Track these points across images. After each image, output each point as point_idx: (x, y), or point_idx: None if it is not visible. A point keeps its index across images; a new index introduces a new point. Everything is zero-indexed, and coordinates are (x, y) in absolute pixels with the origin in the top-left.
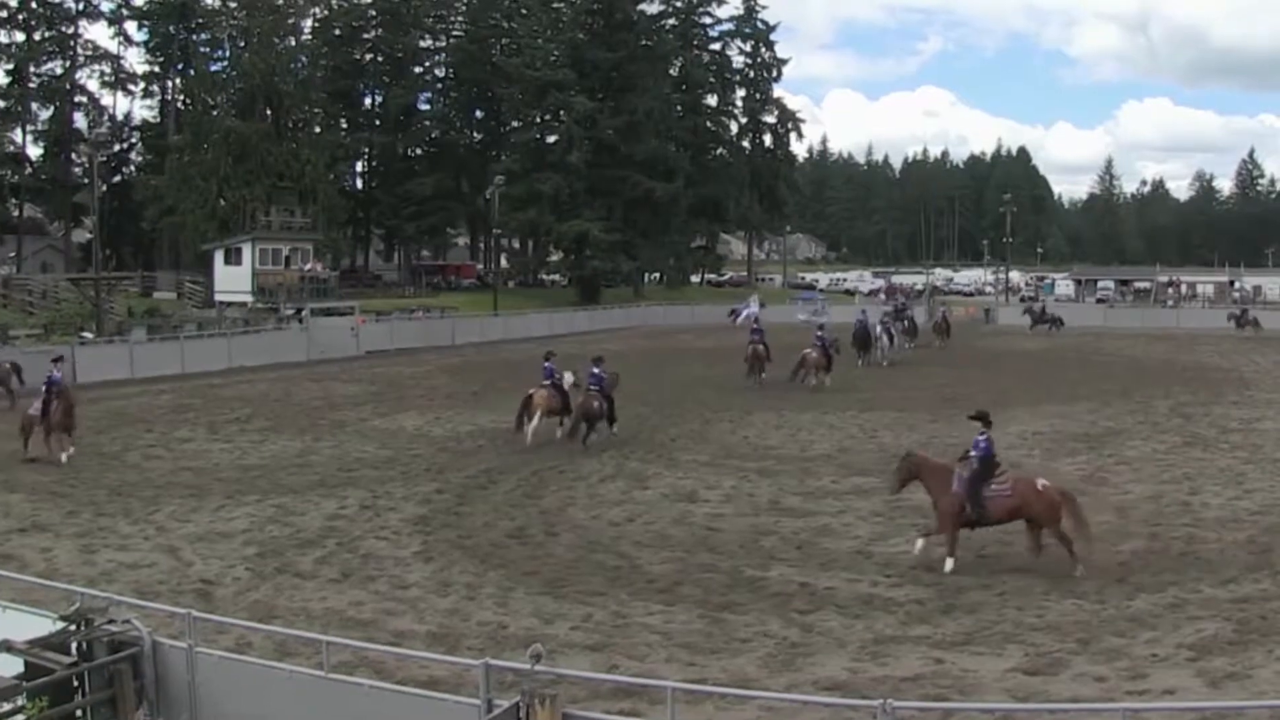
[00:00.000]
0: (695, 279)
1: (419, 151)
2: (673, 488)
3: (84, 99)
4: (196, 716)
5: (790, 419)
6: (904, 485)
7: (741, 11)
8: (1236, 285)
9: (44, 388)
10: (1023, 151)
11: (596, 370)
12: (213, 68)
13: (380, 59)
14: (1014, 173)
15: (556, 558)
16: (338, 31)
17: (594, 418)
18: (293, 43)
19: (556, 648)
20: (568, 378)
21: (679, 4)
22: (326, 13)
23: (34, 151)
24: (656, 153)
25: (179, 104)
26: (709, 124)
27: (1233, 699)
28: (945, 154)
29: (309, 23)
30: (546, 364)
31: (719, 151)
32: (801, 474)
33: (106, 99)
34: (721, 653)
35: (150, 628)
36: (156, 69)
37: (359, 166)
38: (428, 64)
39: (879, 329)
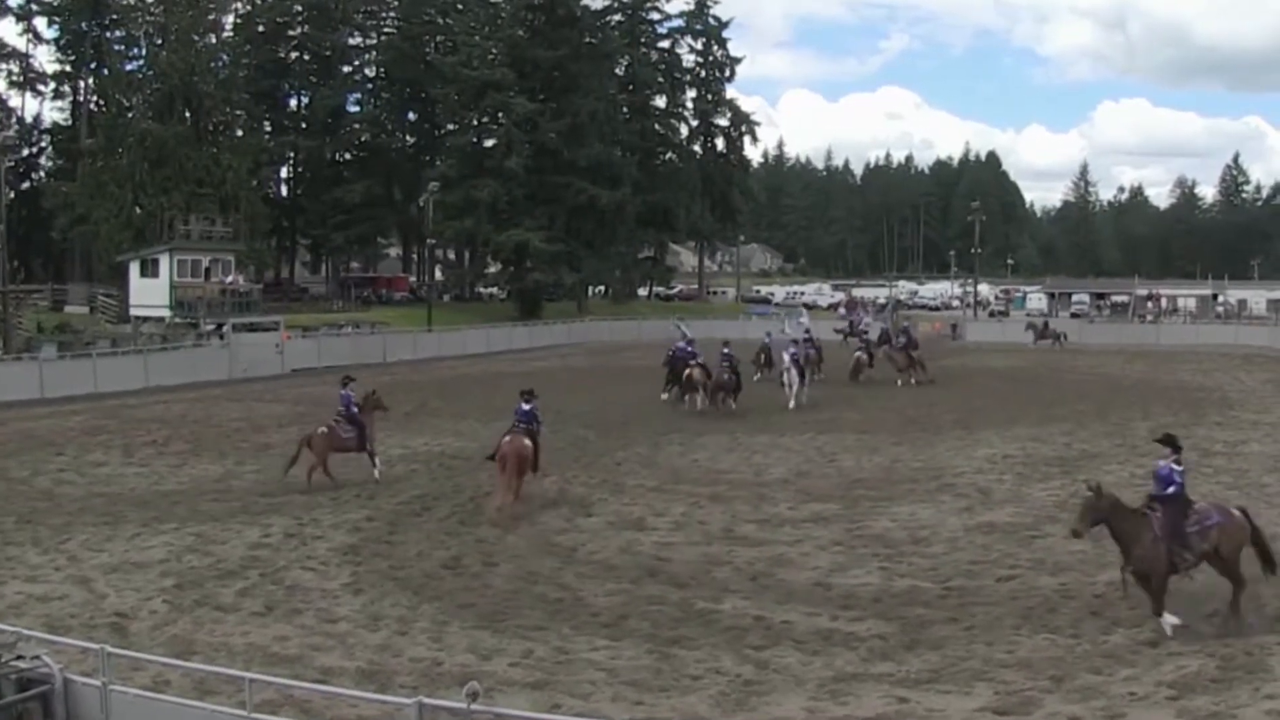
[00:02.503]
0: (643, 292)
1: (348, 156)
2: (619, 515)
3: None
4: None
5: (744, 441)
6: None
7: (692, 7)
8: (1220, 299)
9: (349, 408)
10: (992, 156)
11: (726, 350)
12: (128, 67)
13: (307, 57)
14: (983, 179)
15: (494, 589)
16: (261, 28)
17: (726, 389)
18: (213, 40)
19: (494, 685)
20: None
21: None
22: (249, 8)
23: None
24: (601, 157)
25: (92, 105)
26: (657, 127)
27: None
28: (910, 159)
29: (231, 19)
30: (690, 347)
31: (668, 156)
32: (756, 500)
33: (14, 100)
34: (670, 691)
35: (61, 664)
36: (68, 68)
37: (284, 172)
38: (357, 63)
39: (786, 359)
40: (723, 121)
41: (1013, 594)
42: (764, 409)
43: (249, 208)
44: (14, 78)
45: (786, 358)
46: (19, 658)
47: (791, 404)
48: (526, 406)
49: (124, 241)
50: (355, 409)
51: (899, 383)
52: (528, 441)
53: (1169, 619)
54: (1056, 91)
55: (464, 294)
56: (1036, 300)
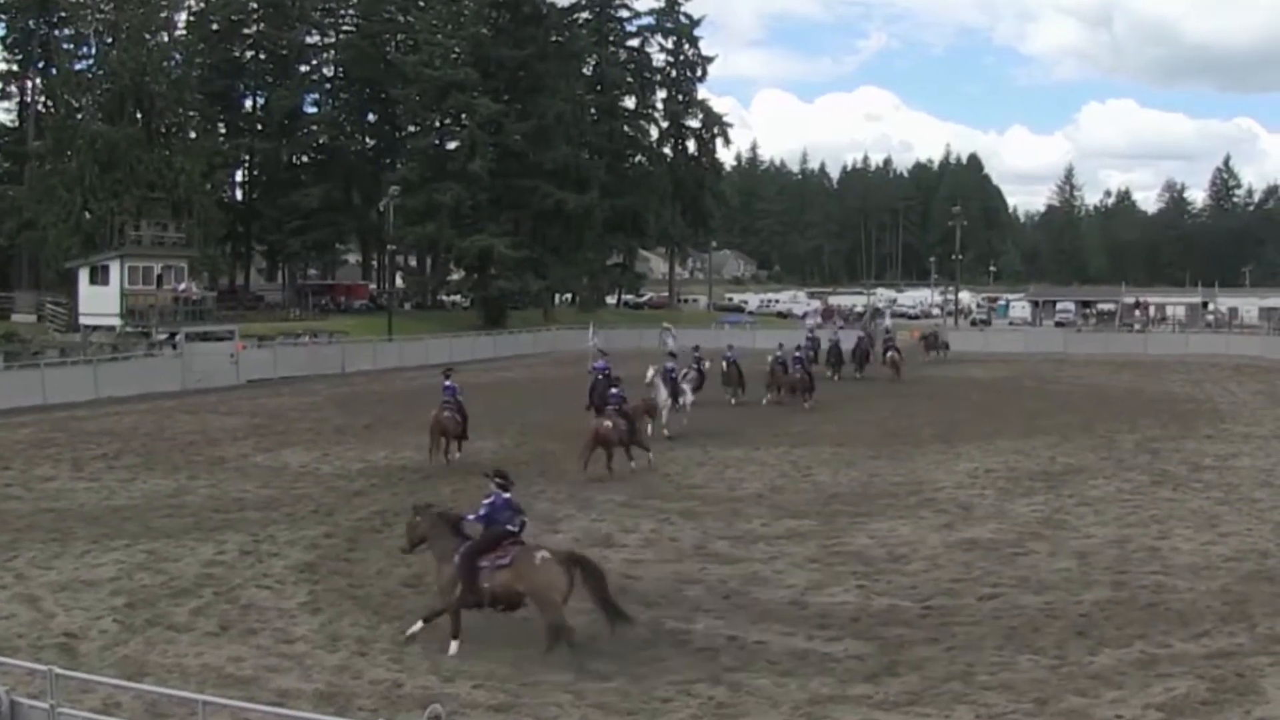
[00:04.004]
0: (611, 300)
1: (305, 159)
2: (586, 531)
3: None
4: None
5: (716, 455)
6: None
7: (662, 5)
8: (1210, 307)
9: (455, 397)
10: (974, 159)
11: (798, 354)
12: (77, 66)
13: (263, 56)
14: (964, 182)
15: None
16: (215, 26)
17: (798, 388)
18: (165, 39)
19: (457, 708)
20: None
21: None
22: (203, 5)
23: None
24: (568, 160)
25: (40, 106)
26: (626, 128)
27: None
28: (888, 162)
29: (184, 16)
30: (607, 366)
31: (638, 159)
32: (729, 516)
33: None
34: (640, 714)
35: (8, 686)
36: (14, 67)
37: (239, 175)
38: (315, 62)
39: (650, 372)
40: (694, 123)
41: (995, 613)
42: (737, 422)
43: (202, 212)
44: None
45: (651, 371)
46: None
47: (650, 430)
48: (615, 390)
49: (73, 247)
50: (461, 398)
51: (765, 400)
52: (608, 424)
53: (453, 645)
54: (1040, 92)
55: (426, 302)
56: (1020, 308)
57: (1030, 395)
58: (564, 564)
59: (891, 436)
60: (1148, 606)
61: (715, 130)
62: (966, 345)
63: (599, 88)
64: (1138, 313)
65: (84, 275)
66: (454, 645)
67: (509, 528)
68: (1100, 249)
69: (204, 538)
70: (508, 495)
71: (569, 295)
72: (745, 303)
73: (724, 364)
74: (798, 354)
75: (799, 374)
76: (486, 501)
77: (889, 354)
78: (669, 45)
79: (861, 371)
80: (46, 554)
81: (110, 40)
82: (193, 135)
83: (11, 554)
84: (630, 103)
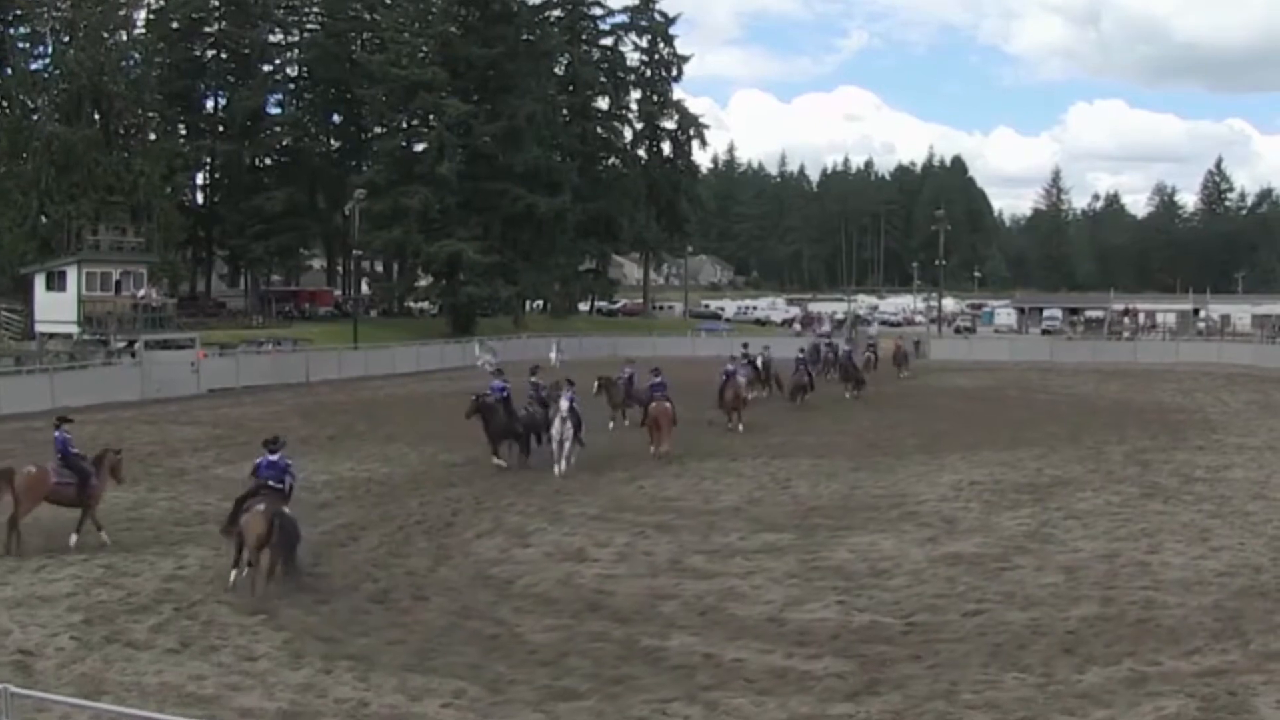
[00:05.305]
0: (584, 307)
1: (268, 161)
2: (558, 545)
3: None
4: None
5: (692, 467)
6: None
7: (636, 2)
8: (1202, 314)
9: (539, 392)
10: (958, 161)
11: (801, 356)
12: (33, 66)
13: (224, 56)
14: (948, 185)
15: (425, 624)
16: (176, 24)
17: (802, 390)
18: (124, 37)
19: None
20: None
21: None
22: (163, 3)
23: None
24: (540, 163)
25: None
26: (600, 130)
27: None
28: (869, 164)
29: (143, 15)
30: (504, 385)
31: (611, 161)
32: (705, 529)
33: None
34: None
35: None
36: None
37: (200, 178)
38: (278, 61)
39: (564, 405)
40: (669, 124)
41: (980, 630)
42: (712, 433)
43: (163, 216)
44: None
45: (564, 409)
46: None
47: (560, 467)
48: (658, 379)
49: (28, 252)
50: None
51: (739, 427)
52: (668, 405)
53: (232, 574)
54: (1026, 92)
55: (392, 309)
56: (1005, 315)
57: (1016, 405)
58: (268, 517)
59: (872, 448)
60: (1137, 623)
61: (691, 132)
62: (950, 353)
63: (571, 88)
64: (1127, 320)
65: (40, 281)
66: (233, 574)
67: (270, 483)
68: (1088, 254)
69: (164, 552)
70: (273, 458)
71: (540, 302)
72: (722, 309)
73: (594, 383)
74: (801, 355)
75: (804, 376)
76: (255, 461)
77: (866, 354)
78: (643, 44)
79: (858, 389)
80: (1, 569)
81: (67, 39)
82: (152, 137)
83: None
84: (603, 103)
